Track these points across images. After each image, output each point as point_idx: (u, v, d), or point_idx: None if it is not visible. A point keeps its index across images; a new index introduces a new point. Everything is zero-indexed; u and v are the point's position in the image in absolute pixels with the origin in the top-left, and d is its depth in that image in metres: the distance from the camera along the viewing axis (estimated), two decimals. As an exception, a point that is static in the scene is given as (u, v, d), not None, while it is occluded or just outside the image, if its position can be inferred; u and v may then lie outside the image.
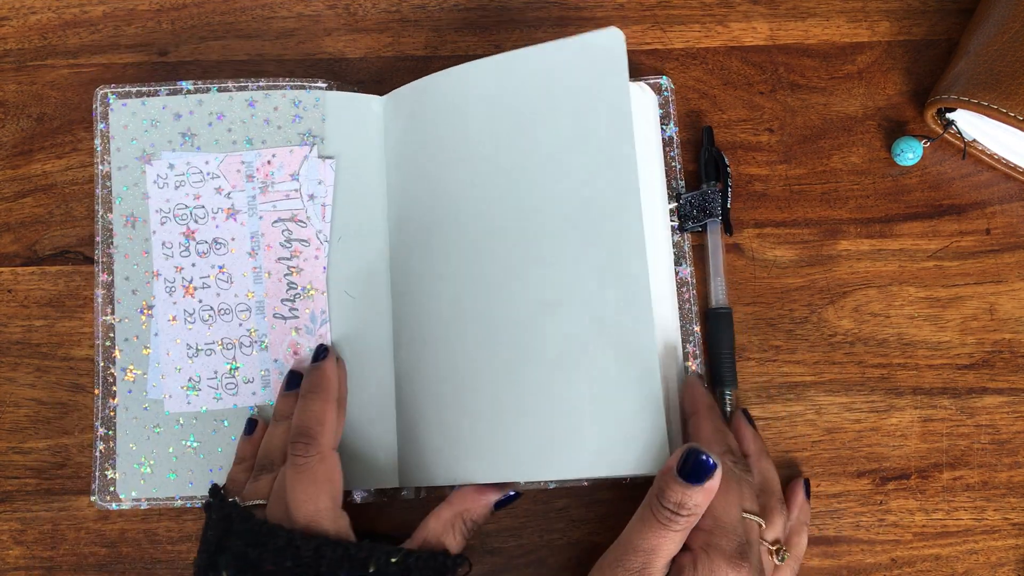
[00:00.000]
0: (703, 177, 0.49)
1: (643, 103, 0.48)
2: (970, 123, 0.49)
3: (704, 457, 0.38)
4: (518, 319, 0.43)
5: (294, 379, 0.45)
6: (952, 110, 0.49)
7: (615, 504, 0.47)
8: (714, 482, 0.38)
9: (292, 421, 0.42)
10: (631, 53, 0.52)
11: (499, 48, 0.52)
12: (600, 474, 0.41)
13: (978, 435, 0.48)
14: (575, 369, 0.42)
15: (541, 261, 0.43)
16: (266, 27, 0.52)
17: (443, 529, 0.41)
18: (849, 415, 0.48)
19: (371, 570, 0.38)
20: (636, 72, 0.52)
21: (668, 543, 0.38)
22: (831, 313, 0.49)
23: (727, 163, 0.49)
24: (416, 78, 0.50)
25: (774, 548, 0.41)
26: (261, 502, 0.41)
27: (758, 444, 0.46)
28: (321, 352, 0.45)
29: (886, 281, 0.49)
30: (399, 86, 0.48)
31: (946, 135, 0.50)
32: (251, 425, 0.46)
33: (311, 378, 0.44)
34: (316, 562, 0.38)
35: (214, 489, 0.42)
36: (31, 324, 0.48)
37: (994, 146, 0.50)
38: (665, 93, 0.50)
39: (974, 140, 0.50)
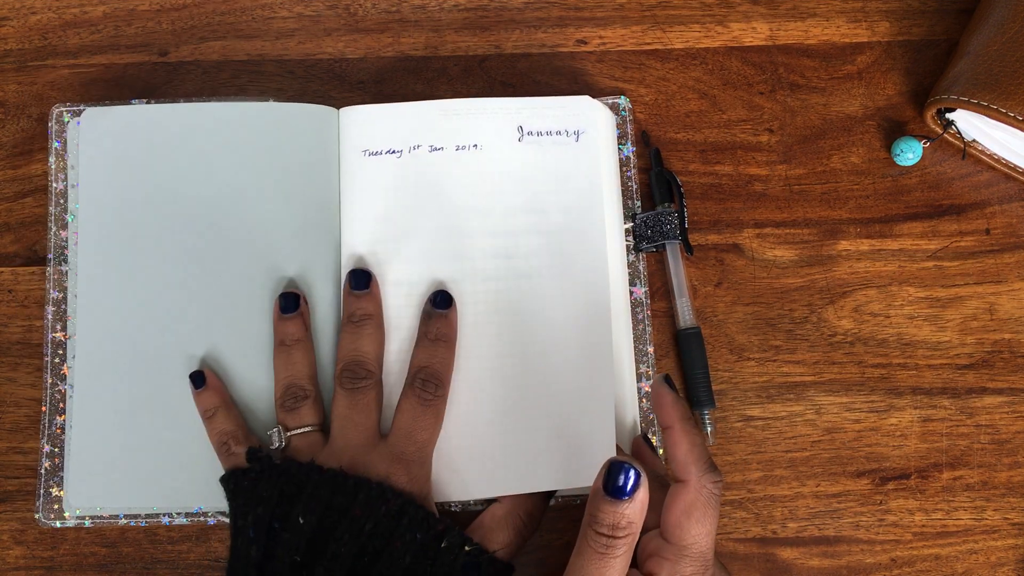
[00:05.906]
0: (656, 199, 0.49)
1: (600, 121, 0.49)
2: (970, 123, 0.49)
3: (626, 467, 0.36)
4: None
5: (290, 302, 0.44)
6: (952, 110, 0.49)
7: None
8: (642, 493, 0.36)
9: (413, 361, 0.43)
10: (629, 54, 0.52)
11: (499, 48, 0.52)
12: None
13: (978, 435, 0.48)
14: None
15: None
16: (266, 27, 0.52)
17: (496, 525, 0.42)
18: (849, 415, 0.48)
19: (443, 545, 0.40)
20: (596, 92, 0.52)
21: (611, 571, 0.36)
22: (831, 313, 0.49)
23: (680, 184, 0.49)
24: (416, 78, 0.50)
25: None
26: (308, 429, 0.42)
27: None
28: (448, 300, 0.45)
29: (886, 281, 0.49)
30: (399, 86, 0.48)
31: (946, 135, 0.50)
32: (200, 378, 0.44)
33: (440, 326, 0.44)
34: (399, 517, 0.40)
35: (252, 451, 0.42)
36: (31, 324, 0.48)
37: (994, 146, 0.50)
38: (623, 113, 0.50)
39: (974, 140, 0.50)
